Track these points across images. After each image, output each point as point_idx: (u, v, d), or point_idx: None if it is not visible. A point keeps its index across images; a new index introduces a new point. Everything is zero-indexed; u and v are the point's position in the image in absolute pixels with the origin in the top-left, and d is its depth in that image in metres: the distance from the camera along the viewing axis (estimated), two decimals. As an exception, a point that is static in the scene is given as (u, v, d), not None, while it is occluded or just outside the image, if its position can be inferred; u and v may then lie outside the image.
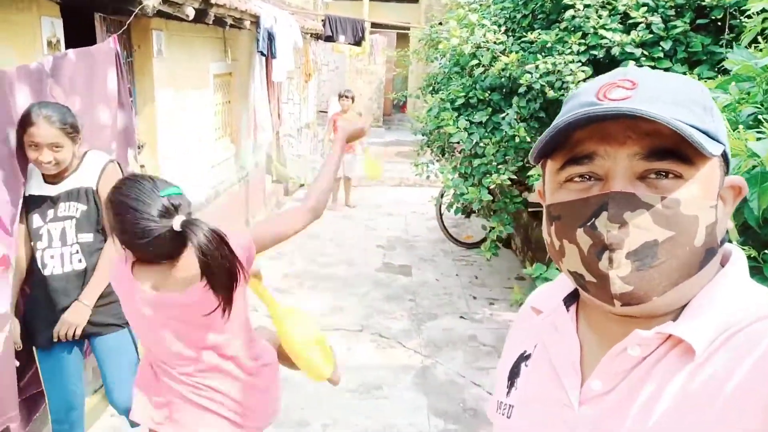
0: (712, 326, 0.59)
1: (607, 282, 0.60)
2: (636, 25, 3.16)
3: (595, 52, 3.22)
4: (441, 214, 5.92)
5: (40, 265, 2.09)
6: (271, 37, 5.48)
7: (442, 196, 5.46)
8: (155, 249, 1.43)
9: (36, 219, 2.07)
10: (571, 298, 0.74)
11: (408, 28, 10.97)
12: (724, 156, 0.61)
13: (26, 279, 2.15)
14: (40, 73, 2.05)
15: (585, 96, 0.61)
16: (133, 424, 2.15)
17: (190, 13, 3.46)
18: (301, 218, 1.68)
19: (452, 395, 3.36)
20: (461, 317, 4.39)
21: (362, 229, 6.63)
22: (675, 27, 3.10)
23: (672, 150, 0.57)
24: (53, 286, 2.09)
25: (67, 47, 2.65)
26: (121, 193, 1.42)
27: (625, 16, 3.26)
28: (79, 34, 3.00)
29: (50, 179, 2.07)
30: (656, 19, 3.09)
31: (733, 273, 0.64)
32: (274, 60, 5.76)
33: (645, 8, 3.15)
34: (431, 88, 5.14)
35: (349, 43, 9.24)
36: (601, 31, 3.16)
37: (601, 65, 3.26)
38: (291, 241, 5.81)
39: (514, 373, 0.77)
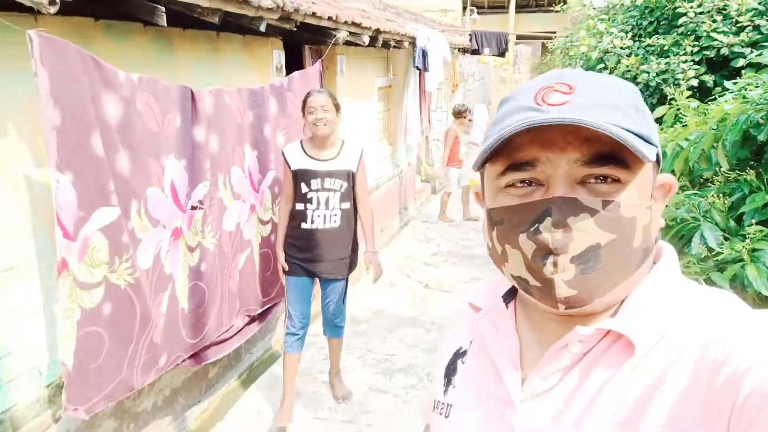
0: (649, 320, 0.60)
1: (552, 287, 0.60)
2: (745, 27, 3.56)
3: (707, 53, 3.67)
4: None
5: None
6: (424, 54, 6.22)
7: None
8: None
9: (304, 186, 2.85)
10: (510, 295, 0.74)
11: (551, 38, 11.36)
12: (656, 156, 0.61)
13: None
14: (282, 87, 3.15)
15: (523, 99, 0.61)
16: None
17: (366, 40, 4.50)
18: None
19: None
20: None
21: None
22: (784, 27, 3.44)
23: (611, 155, 0.58)
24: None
25: (286, 71, 3.81)
26: None
27: (737, 21, 3.66)
28: (291, 60, 4.18)
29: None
30: (763, 22, 3.47)
31: (665, 269, 0.65)
32: (427, 73, 6.53)
33: (753, 12, 3.54)
34: (566, 92, 5.71)
35: (494, 55, 10.00)
36: (713, 34, 3.61)
37: (715, 63, 3.69)
38: (436, 228, 6.85)
39: (450, 371, 0.76)
